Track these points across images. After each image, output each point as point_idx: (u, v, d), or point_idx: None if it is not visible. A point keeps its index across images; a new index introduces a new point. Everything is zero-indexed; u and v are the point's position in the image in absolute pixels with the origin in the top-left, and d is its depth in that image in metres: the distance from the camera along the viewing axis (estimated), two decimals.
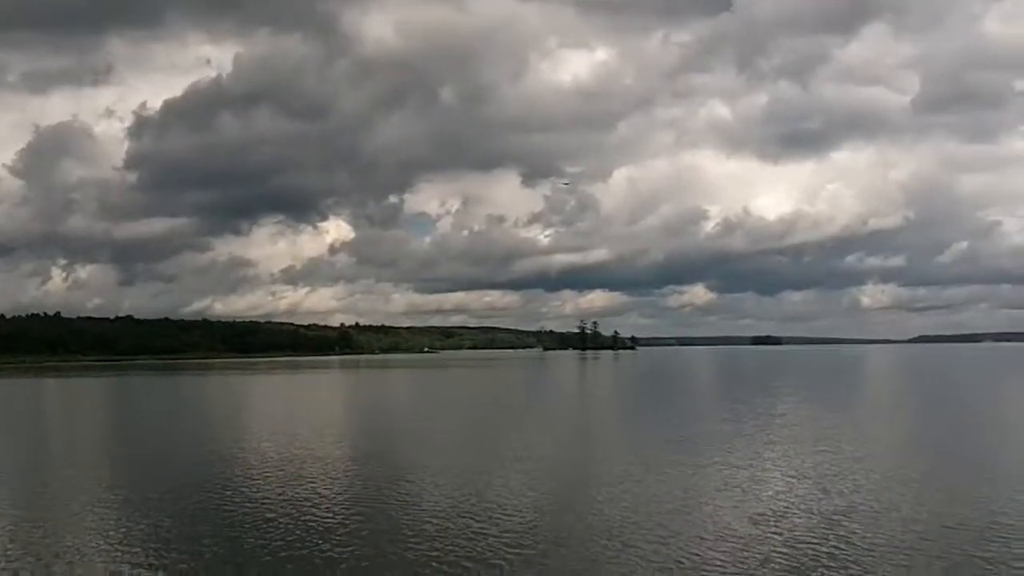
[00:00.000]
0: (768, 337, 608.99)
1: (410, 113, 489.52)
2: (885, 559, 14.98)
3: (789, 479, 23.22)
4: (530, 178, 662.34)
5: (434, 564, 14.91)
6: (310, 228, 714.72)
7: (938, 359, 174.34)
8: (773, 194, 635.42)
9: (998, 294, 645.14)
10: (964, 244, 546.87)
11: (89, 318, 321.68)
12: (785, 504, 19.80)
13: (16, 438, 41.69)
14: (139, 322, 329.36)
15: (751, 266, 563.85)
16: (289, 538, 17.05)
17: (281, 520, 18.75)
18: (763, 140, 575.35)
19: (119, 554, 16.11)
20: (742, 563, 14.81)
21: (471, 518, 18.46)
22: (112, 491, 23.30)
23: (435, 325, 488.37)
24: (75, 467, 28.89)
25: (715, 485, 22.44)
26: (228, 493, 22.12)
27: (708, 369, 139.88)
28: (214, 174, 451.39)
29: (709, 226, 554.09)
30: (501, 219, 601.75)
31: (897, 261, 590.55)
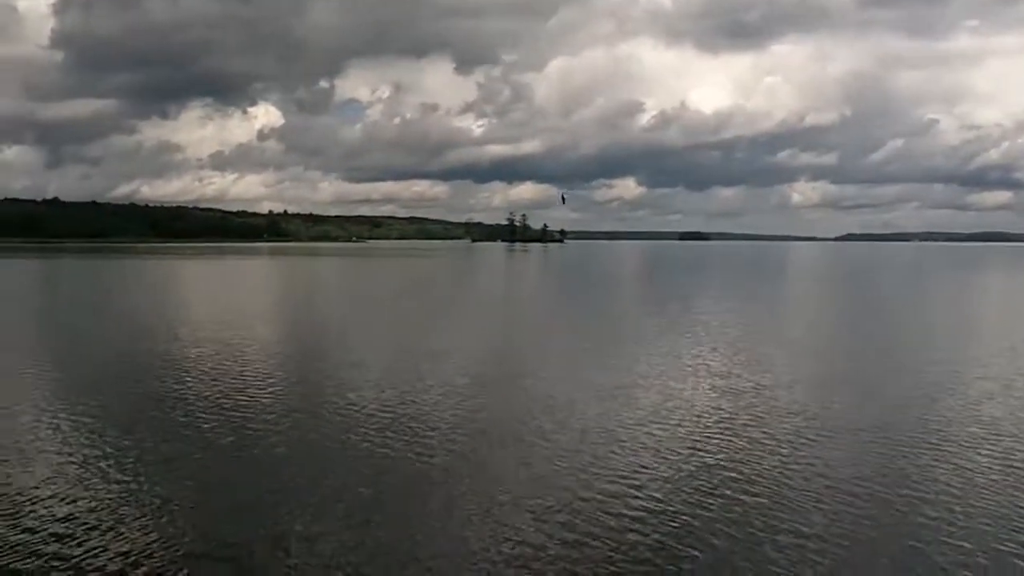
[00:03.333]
0: (696, 233, 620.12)
1: None
2: (781, 462, 14.40)
3: (699, 378, 22.68)
4: (464, 65, 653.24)
5: (341, 454, 14.90)
6: (239, 113, 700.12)
7: (866, 257, 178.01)
8: (711, 87, 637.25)
9: (929, 193, 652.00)
10: (899, 142, 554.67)
11: (15, 200, 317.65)
12: (688, 404, 19.11)
13: None
14: (66, 205, 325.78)
15: (683, 161, 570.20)
16: (212, 433, 16.34)
17: (206, 414, 17.93)
18: (703, 31, 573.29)
19: (33, 447, 15.33)
20: (630, 464, 14.21)
21: (380, 415, 17.81)
22: (38, 379, 22.61)
23: (364, 214, 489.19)
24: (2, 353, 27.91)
25: (624, 382, 21.98)
26: (155, 386, 21.29)
27: (635, 263, 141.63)
28: (142, 55, 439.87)
29: (644, 119, 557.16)
30: (434, 108, 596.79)
31: (830, 158, 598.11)
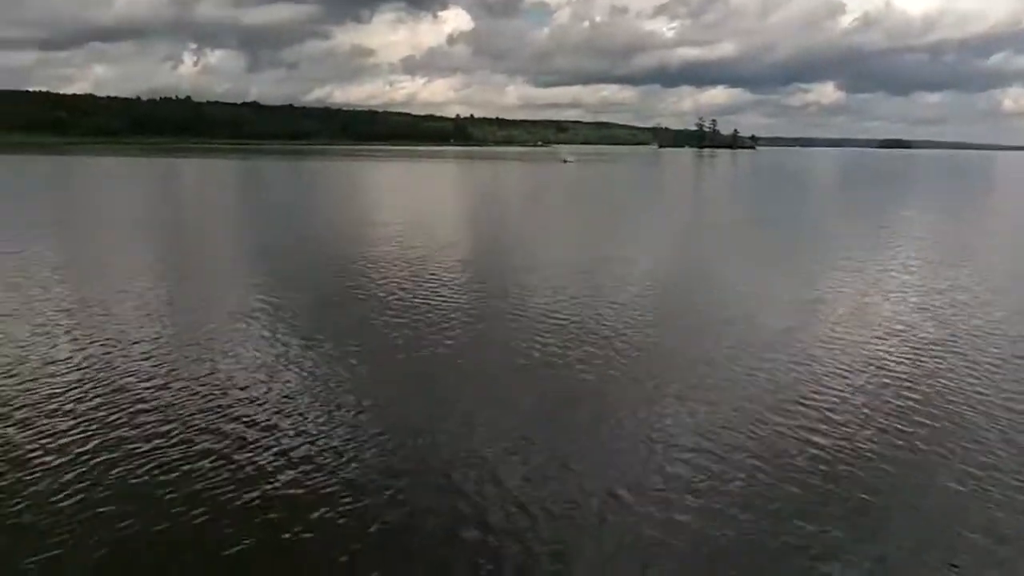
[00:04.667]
0: (897, 140, 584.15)
1: None
2: (973, 386, 13.05)
3: (892, 294, 21.23)
4: None
5: (514, 359, 14.48)
6: (429, 17, 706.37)
7: None
8: None
9: None
10: None
11: (218, 102, 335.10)
12: (880, 323, 17.65)
13: (172, 214, 45.76)
14: (264, 108, 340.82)
15: (885, 64, 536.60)
16: (392, 329, 16.44)
17: (387, 313, 18.05)
18: None
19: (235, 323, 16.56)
20: (811, 385, 13.13)
21: (556, 321, 17.35)
22: (233, 272, 24.16)
23: (549, 119, 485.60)
24: (216, 244, 31.04)
25: (811, 296, 20.62)
26: (339, 282, 21.99)
27: (832, 171, 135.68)
28: None
29: (846, 21, 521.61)
30: (624, 10, 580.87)
31: None
